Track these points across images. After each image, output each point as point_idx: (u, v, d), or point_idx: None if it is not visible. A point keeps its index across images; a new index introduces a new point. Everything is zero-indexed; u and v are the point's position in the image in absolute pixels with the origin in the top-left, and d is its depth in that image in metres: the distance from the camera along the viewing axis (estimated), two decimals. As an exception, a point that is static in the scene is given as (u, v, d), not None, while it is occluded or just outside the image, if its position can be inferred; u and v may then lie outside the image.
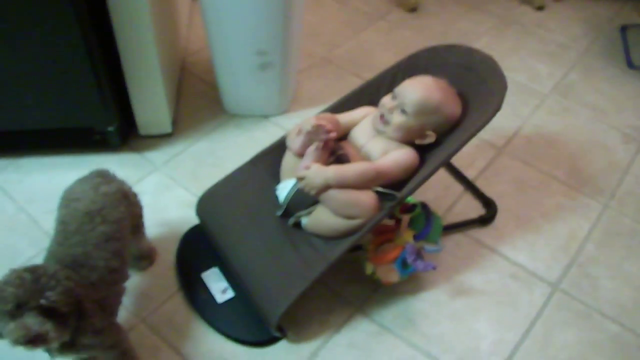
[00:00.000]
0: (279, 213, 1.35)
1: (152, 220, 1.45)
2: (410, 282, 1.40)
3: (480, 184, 1.65)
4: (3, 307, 0.92)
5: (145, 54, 1.54)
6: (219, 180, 1.46)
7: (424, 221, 1.35)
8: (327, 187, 1.26)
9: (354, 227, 1.26)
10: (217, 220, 1.41)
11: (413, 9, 2.31)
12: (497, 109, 1.32)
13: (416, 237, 1.34)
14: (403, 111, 1.32)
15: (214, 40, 1.67)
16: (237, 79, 1.75)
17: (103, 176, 1.22)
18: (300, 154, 1.33)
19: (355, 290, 1.40)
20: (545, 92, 2.00)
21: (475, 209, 1.60)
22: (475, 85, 1.39)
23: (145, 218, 1.34)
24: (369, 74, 2.00)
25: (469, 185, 1.65)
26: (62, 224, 1.13)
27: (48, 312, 0.94)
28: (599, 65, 2.14)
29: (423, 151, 1.37)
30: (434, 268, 1.29)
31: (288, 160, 1.39)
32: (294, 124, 1.80)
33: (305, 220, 1.33)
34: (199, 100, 1.89)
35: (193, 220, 1.46)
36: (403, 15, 2.32)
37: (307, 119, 1.32)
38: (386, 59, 2.07)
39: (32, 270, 0.96)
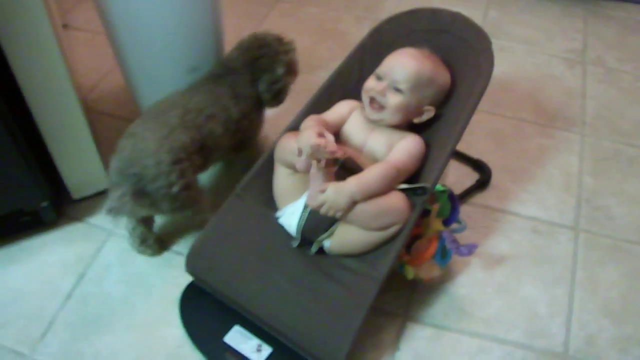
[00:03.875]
0: (296, 244, 1.18)
1: (134, 296, 1.23)
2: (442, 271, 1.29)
3: (461, 147, 1.56)
4: None
5: (65, 104, 1.27)
6: (205, 227, 1.24)
7: (449, 204, 1.25)
8: (353, 204, 1.10)
9: (391, 236, 1.13)
10: (221, 273, 1.19)
11: (306, -17, 2.15)
12: (491, 67, 1.24)
13: (447, 223, 1.24)
14: (397, 90, 1.19)
15: (133, 68, 1.42)
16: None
17: None
18: (308, 171, 1.15)
19: (393, 299, 1.27)
20: (475, 37, 1.95)
21: (467, 175, 1.52)
22: (455, 48, 1.29)
23: (123, 296, 1.19)
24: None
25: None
26: None
27: None
28: (510, -3, 2.12)
29: (421, 129, 1.26)
30: (477, 246, 1.19)
31: (284, 181, 1.21)
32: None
33: (328, 243, 1.17)
34: (123, 141, 1.62)
35: (183, 279, 1.24)
36: (299, -9, 2.15)
37: (302, 134, 1.14)
38: (305, 43, 1.92)
39: None
